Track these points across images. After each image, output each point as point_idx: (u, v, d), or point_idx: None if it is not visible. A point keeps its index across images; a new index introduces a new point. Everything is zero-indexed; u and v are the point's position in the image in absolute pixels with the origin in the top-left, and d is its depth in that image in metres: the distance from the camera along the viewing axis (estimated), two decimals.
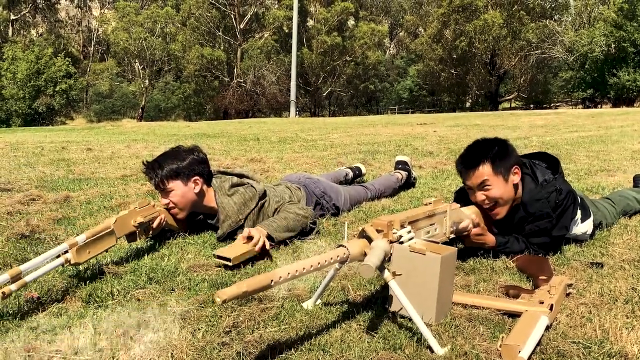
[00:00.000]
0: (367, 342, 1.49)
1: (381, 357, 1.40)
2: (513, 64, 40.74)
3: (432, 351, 1.42)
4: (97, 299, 1.80)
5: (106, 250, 2.15)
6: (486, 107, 41.40)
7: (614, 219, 2.76)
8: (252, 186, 2.54)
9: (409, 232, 1.67)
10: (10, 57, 38.90)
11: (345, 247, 1.47)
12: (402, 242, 1.63)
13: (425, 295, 1.59)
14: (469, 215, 2.12)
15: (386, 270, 1.51)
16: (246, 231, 2.24)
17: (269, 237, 2.29)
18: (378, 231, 1.59)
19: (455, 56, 41.70)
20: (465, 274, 2.05)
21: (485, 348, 1.46)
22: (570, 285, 1.85)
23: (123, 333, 1.54)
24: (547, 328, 1.55)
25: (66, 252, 1.93)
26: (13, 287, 1.72)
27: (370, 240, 1.54)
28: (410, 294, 1.52)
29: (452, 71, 42.70)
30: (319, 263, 1.38)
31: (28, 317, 1.68)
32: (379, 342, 1.49)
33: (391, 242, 1.59)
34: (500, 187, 2.16)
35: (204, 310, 1.69)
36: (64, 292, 1.87)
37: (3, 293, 1.67)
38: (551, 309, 1.61)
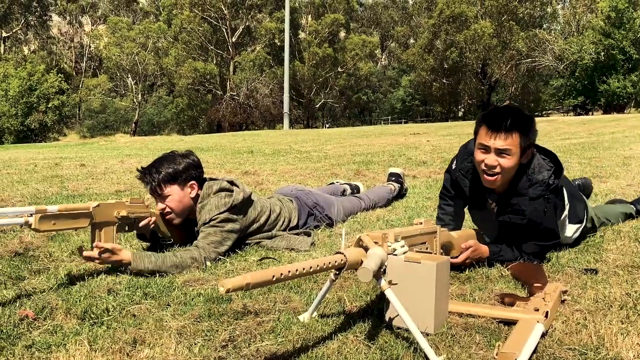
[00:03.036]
0: (364, 353, 1.49)
1: None
2: (504, 73, 41.15)
3: None
4: (92, 315, 1.79)
5: (75, 229, 2.12)
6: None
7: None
8: (231, 196, 2.49)
9: (403, 246, 1.68)
10: (2, 74, 38.86)
11: (343, 254, 1.48)
12: (395, 255, 1.64)
13: (423, 305, 1.60)
14: (457, 239, 2.12)
15: (382, 279, 1.51)
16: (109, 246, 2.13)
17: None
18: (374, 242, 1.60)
19: (446, 66, 42.06)
20: (460, 282, 2.06)
21: (482, 356, 1.47)
22: (565, 292, 1.86)
23: (119, 349, 1.53)
24: (543, 335, 1.56)
25: (31, 215, 1.92)
26: None
27: (366, 249, 1.55)
28: (407, 304, 1.52)
29: (444, 81, 43.04)
30: (317, 265, 1.38)
31: (23, 335, 1.66)
32: (375, 353, 1.48)
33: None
34: (515, 159, 2.09)
35: (200, 325, 1.68)
36: (59, 310, 1.85)
37: None
38: (546, 316, 1.62)
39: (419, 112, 48.69)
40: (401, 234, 1.73)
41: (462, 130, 14.75)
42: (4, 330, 1.68)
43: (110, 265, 2.25)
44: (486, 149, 2.11)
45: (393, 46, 58.55)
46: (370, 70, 47.82)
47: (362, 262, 1.49)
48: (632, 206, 3.04)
